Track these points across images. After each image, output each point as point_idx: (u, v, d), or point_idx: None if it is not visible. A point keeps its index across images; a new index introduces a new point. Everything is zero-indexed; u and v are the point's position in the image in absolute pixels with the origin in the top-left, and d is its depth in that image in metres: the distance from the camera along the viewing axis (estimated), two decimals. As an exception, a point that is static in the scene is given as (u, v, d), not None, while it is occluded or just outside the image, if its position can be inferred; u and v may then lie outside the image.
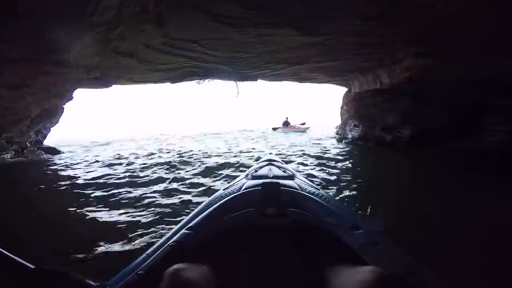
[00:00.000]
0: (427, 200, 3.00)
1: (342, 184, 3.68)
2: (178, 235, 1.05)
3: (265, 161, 1.82)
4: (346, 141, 9.40)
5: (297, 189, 1.21)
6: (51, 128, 8.99)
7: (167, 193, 3.44)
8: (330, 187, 3.51)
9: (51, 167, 6.03)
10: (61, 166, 6.12)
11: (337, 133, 11.57)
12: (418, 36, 5.23)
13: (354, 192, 3.32)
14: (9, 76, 4.97)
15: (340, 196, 3.14)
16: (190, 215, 1.22)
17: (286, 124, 17.74)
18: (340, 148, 7.83)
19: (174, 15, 4.77)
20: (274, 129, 17.74)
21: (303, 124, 17.53)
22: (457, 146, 5.92)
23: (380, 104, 7.40)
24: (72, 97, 8.13)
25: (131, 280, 0.91)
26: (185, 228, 1.08)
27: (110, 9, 4.02)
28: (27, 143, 7.78)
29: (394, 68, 7.08)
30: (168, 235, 1.10)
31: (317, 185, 1.72)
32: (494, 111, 5.75)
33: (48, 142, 9.40)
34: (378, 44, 5.96)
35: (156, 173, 4.73)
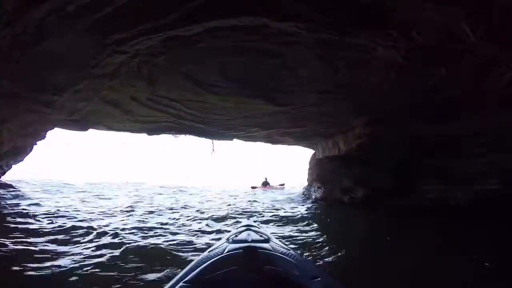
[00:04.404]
0: (366, 252, 4.06)
1: (304, 240, 4.83)
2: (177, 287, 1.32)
3: (244, 226, 2.28)
4: (310, 201, 10.13)
5: (271, 250, 1.57)
6: (13, 165, 8.64)
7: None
8: (295, 242, 4.65)
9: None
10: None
11: (303, 194, 12.27)
12: (365, 107, 6.41)
13: (315, 246, 4.33)
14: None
15: (303, 250, 4.08)
16: (184, 270, 1.50)
17: (265, 184, 18.22)
18: (305, 208, 8.71)
19: (164, 78, 5.52)
20: (253, 188, 17.94)
21: (282, 184, 18.19)
22: (400, 203, 6.95)
23: (337, 169, 8.36)
24: (45, 136, 8.19)
25: None
26: (182, 281, 1.35)
27: (112, 65, 4.67)
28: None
29: (348, 135, 8.24)
30: (167, 286, 1.38)
31: (287, 243, 2.28)
32: (427, 171, 6.90)
33: (5, 178, 8.88)
34: (334, 113, 7.09)
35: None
